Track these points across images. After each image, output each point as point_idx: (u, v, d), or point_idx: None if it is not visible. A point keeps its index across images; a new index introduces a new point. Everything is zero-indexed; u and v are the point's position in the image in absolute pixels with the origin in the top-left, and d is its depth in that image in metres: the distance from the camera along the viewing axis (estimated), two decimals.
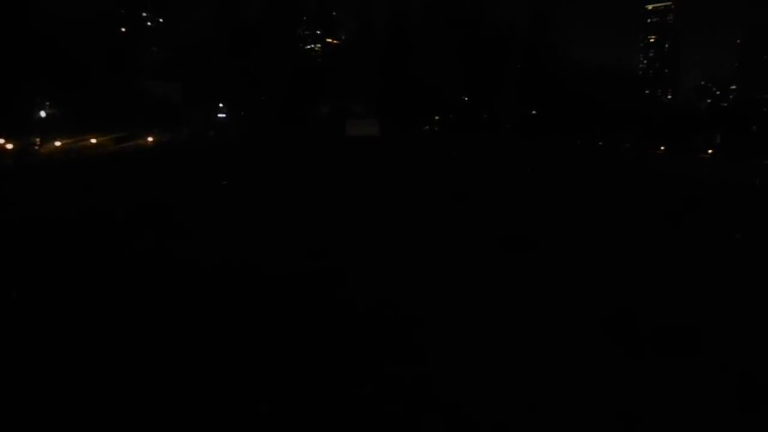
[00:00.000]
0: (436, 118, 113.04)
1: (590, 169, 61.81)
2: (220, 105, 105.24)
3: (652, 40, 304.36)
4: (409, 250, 20.25)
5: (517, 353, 11.03)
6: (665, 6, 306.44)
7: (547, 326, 12.53)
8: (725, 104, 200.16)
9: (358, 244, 21.11)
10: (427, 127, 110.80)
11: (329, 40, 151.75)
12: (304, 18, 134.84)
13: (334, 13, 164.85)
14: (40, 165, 55.82)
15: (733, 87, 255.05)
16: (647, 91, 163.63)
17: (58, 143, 71.97)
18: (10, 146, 64.37)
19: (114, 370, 9.96)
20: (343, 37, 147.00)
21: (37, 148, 70.37)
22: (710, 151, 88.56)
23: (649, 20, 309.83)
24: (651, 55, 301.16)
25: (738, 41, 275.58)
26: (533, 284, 15.92)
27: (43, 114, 79.59)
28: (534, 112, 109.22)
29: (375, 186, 41.93)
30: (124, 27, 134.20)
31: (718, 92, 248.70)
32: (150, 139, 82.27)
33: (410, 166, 60.76)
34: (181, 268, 17.17)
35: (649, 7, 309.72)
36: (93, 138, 75.23)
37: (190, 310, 13.22)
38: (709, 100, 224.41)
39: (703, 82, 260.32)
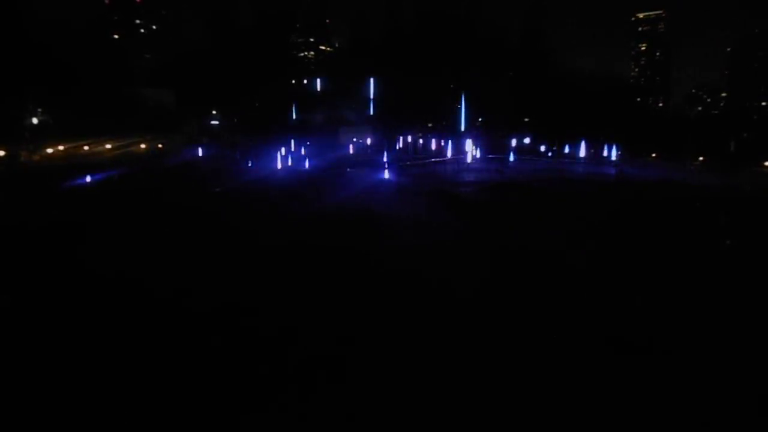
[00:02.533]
0: (429, 125, 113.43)
1: (582, 175, 62.21)
2: (213, 112, 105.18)
3: (643, 49, 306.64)
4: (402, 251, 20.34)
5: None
6: (656, 15, 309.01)
7: (539, 334, 12.63)
8: (716, 112, 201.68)
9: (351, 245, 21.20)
10: (420, 134, 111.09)
11: (323, 47, 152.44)
12: (298, 25, 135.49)
13: (327, 21, 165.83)
14: (32, 172, 55.59)
15: (724, 95, 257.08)
16: (638, 99, 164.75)
17: (50, 150, 71.74)
18: (1, 153, 64.11)
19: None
20: (336, 45, 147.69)
21: (29, 154, 70.08)
22: (701, 158, 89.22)
23: (640, 28, 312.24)
24: (642, 63, 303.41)
25: (728, 49, 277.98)
26: (519, 286, 16.02)
27: (35, 120, 79.28)
28: (527, 119, 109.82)
29: (366, 190, 42.09)
30: (117, 33, 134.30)
31: (708, 100, 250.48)
32: (143, 146, 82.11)
33: (401, 172, 60.97)
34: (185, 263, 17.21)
35: (640, 15, 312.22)
36: (86, 145, 75.08)
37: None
38: (699, 108, 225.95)
39: (693, 90, 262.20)
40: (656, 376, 10.33)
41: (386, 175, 56.98)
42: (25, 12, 79.86)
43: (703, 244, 23.34)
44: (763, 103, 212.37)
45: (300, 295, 15.04)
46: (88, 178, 46.85)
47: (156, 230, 23.87)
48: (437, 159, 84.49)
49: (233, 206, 33.79)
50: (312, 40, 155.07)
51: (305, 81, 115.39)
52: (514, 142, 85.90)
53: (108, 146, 77.77)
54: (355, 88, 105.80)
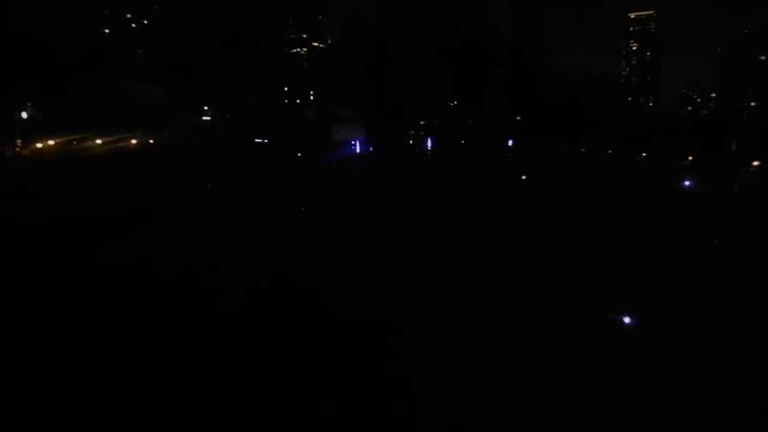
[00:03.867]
0: (422, 122, 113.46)
1: (572, 175, 62.47)
2: (205, 108, 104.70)
3: (634, 48, 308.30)
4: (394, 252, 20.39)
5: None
6: (647, 14, 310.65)
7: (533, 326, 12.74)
8: (705, 111, 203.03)
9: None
10: (413, 131, 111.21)
11: (315, 44, 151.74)
12: (291, 21, 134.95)
13: (320, 17, 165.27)
14: (22, 166, 55.19)
15: (713, 95, 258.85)
16: (629, 98, 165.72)
17: (39, 145, 71.23)
18: None
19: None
20: (329, 41, 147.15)
21: (18, 149, 69.54)
22: (690, 158, 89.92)
23: (631, 28, 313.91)
24: (633, 62, 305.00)
25: (718, 49, 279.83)
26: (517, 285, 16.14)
27: (24, 115, 78.65)
28: (518, 117, 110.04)
29: (360, 185, 42.13)
30: (107, 28, 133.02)
31: (698, 100, 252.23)
32: (134, 141, 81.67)
33: (395, 168, 61.02)
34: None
35: (632, 15, 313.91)
36: (76, 140, 74.62)
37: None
38: (689, 108, 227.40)
39: (683, 90, 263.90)
40: None
41: None
42: (13, 7, 79.11)
43: None
44: (753, 104, 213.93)
45: None
46: None
47: None
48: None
49: None
50: (305, 36, 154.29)
51: (297, 77, 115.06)
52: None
53: (98, 141, 77.29)
54: (348, 85, 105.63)
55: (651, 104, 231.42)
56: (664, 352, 11.73)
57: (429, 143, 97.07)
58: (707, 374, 10.63)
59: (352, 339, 11.96)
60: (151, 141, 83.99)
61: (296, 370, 10.36)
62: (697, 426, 9.00)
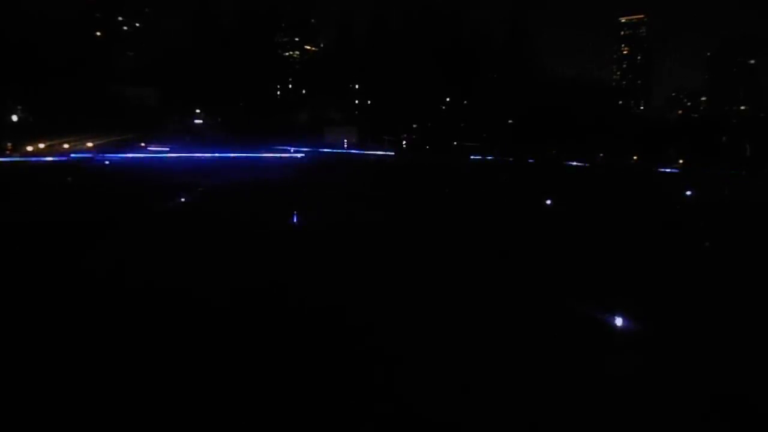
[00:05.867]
0: (414, 126, 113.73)
1: (565, 179, 62.79)
2: (197, 111, 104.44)
3: (625, 52, 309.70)
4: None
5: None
6: (638, 19, 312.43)
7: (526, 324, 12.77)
8: (695, 115, 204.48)
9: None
10: (405, 134, 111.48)
11: (308, 47, 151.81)
12: (283, 25, 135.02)
13: (312, 21, 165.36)
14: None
15: (704, 98, 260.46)
16: (620, 102, 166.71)
17: (30, 148, 70.91)
18: None
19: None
20: (321, 45, 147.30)
21: (8, 152, 69.21)
22: (681, 161, 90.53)
23: (622, 32, 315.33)
24: (624, 66, 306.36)
25: (708, 53, 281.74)
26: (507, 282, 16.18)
27: (15, 118, 78.22)
28: (510, 121, 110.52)
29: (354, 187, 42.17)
30: (99, 31, 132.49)
31: (688, 103, 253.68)
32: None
33: (392, 169, 61.09)
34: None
35: (623, 19, 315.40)
36: (67, 143, 74.31)
37: None
38: (680, 111, 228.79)
39: (674, 94, 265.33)
40: None
41: None
42: (4, 9, 78.79)
43: None
44: (742, 107, 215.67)
45: None
46: None
47: None
48: None
49: None
50: (297, 39, 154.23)
51: (290, 80, 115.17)
52: None
53: (89, 144, 77.02)
54: (340, 88, 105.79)
55: (642, 108, 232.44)
56: (658, 352, 11.80)
57: None
58: (701, 374, 10.69)
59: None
60: (143, 144, 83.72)
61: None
62: (691, 425, 9.05)
